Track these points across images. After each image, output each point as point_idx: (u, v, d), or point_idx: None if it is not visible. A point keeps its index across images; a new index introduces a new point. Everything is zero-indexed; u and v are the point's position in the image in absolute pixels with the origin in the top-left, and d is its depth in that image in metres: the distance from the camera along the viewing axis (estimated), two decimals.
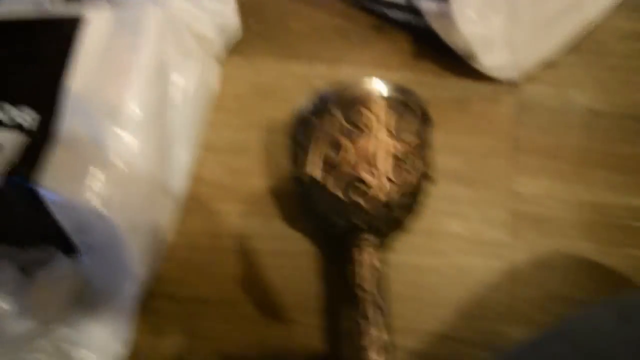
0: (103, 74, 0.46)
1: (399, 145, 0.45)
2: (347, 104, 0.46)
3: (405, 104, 0.47)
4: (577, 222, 0.53)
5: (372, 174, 0.44)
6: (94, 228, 0.43)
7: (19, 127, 0.43)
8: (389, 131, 0.45)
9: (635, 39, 0.62)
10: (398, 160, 0.45)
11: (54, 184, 0.41)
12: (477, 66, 0.59)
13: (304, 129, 0.49)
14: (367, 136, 0.45)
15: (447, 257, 0.52)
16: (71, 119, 0.44)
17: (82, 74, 0.45)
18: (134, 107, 0.45)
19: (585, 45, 0.62)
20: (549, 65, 0.61)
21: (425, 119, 0.49)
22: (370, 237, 0.46)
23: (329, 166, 0.46)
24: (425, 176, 0.48)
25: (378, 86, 0.47)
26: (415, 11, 0.61)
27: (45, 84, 0.45)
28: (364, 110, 0.45)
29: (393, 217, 0.47)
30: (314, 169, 0.46)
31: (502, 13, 0.57)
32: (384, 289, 0.45)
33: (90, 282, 0.47)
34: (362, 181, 0.45)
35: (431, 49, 0.62)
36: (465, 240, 0.53)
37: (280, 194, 0.55)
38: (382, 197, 0.45)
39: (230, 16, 0.59)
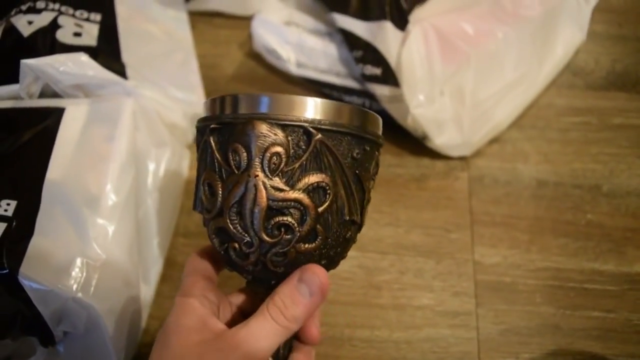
0: (81, 162, 0.47)
1: (278, 194, 0.33)
2: (226, 132, 0.35)
3: (340, 133, 0.34)
4: (536, 287, 0.56)
5: (239, 228, 0.34)
6: (73, 315, 0.43)
7: None
8: (271, 172, 0.33)
9: (568, 113, 0.68)
10: (274, 211, 0.33)
11: (33, 272, 0.41)
12: (430, 145, 0.63)
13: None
14: (237, 178, 0.34)
15: (418, 329, 0.54)
16: (50, 207, 0.44)
17: (60, 163, 0.47)
18: (110, 195, 0.46)
19: (526, 121, 0.67)
20: (495, 140, 0.66)
21: (362, 154, 0.36)
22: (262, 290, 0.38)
23: (206, 210, 0.36)
24: (326, 229, 0.35)
25: (283, 106, 0.34)
26: (371, 96, 0.65)
27: (26, 174, 0.46)
28: (237, 145, 0.34)
29: (274, 273, 0.36)
30: (198, 207, 0.38)
31: (449, 95, 0.62)
32: None
33: None
34: (231, 236, 0.35)
35: (388, 131, 0.65)
36: (434, 312, 0.55)
37: None
38: (252, 256, 0.35)
39: (198, 104, 0.62)
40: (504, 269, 0.57)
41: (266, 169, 0.33)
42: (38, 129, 0.49)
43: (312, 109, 0.34)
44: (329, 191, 0.34)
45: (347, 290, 0.56)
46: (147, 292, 0.53)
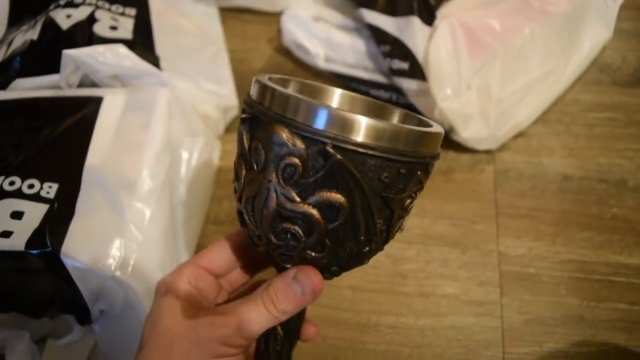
0: (118, 149, 0.49)
1: (288, 203, 0.31)
2: (255, 125, 0.33)
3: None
4: (561, 279, 0.56)
5: (253, 220, 0.33)
6: (111, 294, 0.45)
7: (41, 198, 0.45)
8: (284, 180, 0.31)
9: (594, 109, 0.68)
10: (282, 217, 0.32)
11: (74, 251, 0.43)
12: (457, 138, 0.64)
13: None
14: (254, 175, 0.33)
15: (443, 317, 0.55)
16: (89, 191, 0.46)
17: (99, 149, 0.49)
18: (147, 180, 0.48)
19: (552, 116, 0.68)
20: (521, 135, 0.66)
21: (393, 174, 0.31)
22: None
23: (234, 190, 0.35)
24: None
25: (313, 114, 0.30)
26: (398, 90, 0.67)
27: (67, 159, 0.48)
28: (258, 144, 0.32)
29: (282, 267, 0.36)
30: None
31: (475, 90, 0.63)
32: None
33: (101, 349, 0.48)
34: (245, 222, 0.35)
35: None
36: (459, 300, 0.56)
37: None
38: (262, 247, 0.35)
39: (230, 97, 0.63)
40: (528, 260, 0.57)
41: (280, 176, 0.31)
42: (78, 116, 0.51)
43: (340, 124, 0.30)
44: (342, 211, 0.31)
45: (374, 278, 0.57)
46: None
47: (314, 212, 0.31)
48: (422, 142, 0.32)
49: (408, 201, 0.34)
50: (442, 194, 0.62)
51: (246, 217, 0.34)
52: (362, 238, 0.33)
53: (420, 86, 0.63)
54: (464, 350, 0.53)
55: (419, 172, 0.33)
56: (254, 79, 0.34)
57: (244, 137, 0.33)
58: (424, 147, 0.32)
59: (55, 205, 0.45)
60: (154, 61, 0.61)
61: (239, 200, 0.34)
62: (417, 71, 0.63)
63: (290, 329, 0.39)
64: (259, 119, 0.32)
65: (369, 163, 0.30)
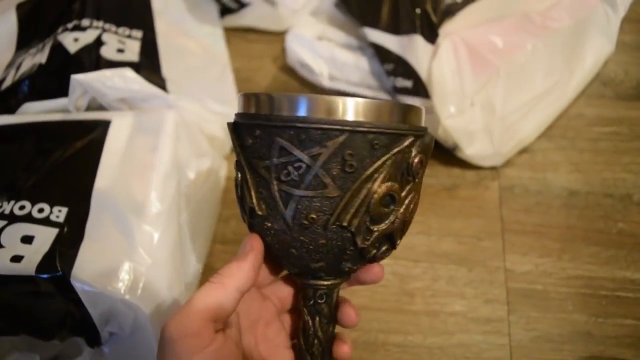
0: (126, 171, 0.49)
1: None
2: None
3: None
4: (568, 295, 0.56)
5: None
6: (121, 316, 0.45)
7: (50, 222, 0.46)
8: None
9: (598, 123, 0.68)
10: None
11: (83, 275, 0.43)
12: (461, 155, 0.64)
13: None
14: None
15: (450, 335, 0.55)
16: (98, 214, 0.47)
17: (108, 172, 0.49)
18: (155, 202, 0.48)
19: (556, 131, 0.68)
20: (525, 150, 0.67)
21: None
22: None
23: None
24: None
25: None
26: None
27: (76, 182, 0.48)
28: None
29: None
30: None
31: (479, 106, 0.63)
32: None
33: None
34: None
35: None
36: (466, 318, 0.56)
37: None
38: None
39: None
40: (535, 276, 0.58)
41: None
42: (86, 140, 0.51)
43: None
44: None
45: (381, 297, 0.57)
46: (187, 297, 0.55)
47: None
48: (407, 115, 0.35)
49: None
50: (447, 211, 0.63)
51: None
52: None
53: (424, 104, 0.63)
54: None
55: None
56: (244, 95, 0.37)
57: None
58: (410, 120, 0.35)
59: (65, 229, 0.46)
60: (161, 83, 0.62)
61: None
62: (420, 89, 0.63)
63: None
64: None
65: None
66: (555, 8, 0.66)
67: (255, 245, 0.36)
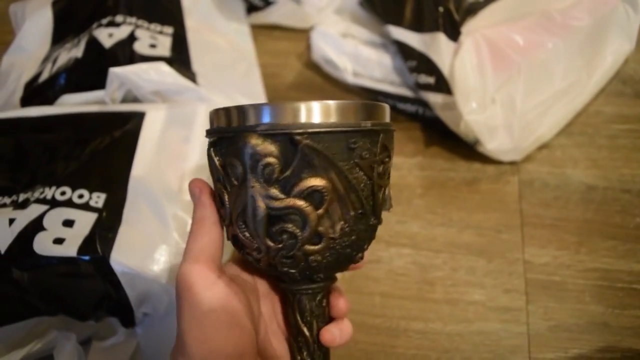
0: (161, 161, 0.52)
1: (275, 202, 0.33)
2: (223, 145, 0.35)
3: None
4: (585, 287, 0.58)
5: (248, 236, 0.35)
6: (155, 297, 0.47)
7: (90, 207, 0.48)
8: (266, 182, 0.33)
9: (617, 121, 0.70)
10: (274, 219, 0.34)
11: (122, 257, 0.46)
12: (482, 150, 0.66)
13: None
14: (237, 190, 0.34)
15: (470, 323, 0.57)
16: (135, 200, 0.49)
17: (143, 161, 0.51)
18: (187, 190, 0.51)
19: (575, 128, 0.69)
20: (544, 146, 0.68)
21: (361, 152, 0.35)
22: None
23: (222, 218, 0.37)
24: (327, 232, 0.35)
25: (268, 115, 0.33)
26: (424, 103, 0.69)
27: (113, 170, 0.51)
28: (232, 159, 0.34)
29: (293, 276, 0.37)
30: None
31: (500, 103, 0.65)
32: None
33: (143, 351, 0.51)
34: (241, 242, 0.36)
35: (440, 136, 0.69)
36: (485, 307, 0.57)
37: None
38: (262, 260, 0.36)
39: None
40: (553, 268, 0.59)
41: (261, 179, 0.33)
42: (123, 130, 0.54)
43: (297, 114, 0.33)
44: (325, 192, 0.33)
45: (403, 285, 0.59)
46: None
47: (301, 202, 0.33)
48: (369, 113, 0.35)
49: (380, 168, 0.36)
50: (468, 205, 0.64)
51: (241, 236, 0.35)
52: (352, 214, 0.35)
53: (446, 100, 0.65)
54: (491, 355, 0.54)
55: (381, 136, 0.35)
56: (210, 112, 0.37)
57: (215, 160, 0.36)
58: (367, 115, 0.35)
59: (104, 214, 0.48)
60: (191, 77, 0.64)
61: (230, 224, 0.36)
62: (443, 85, 0.65)
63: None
64: (225, 139, 0.35)
65: (334, 138, 0.33)
66: (575, 7, 0.67)
67: (200, 186, 0.38)
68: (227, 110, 0.35)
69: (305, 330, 0.39)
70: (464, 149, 0.67)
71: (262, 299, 0.41)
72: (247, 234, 0.35)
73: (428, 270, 0.60)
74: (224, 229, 0.38)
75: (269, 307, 0.41)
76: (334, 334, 0.40)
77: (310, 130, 0.33)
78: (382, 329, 0.56)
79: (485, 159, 0.67)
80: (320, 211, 0.34)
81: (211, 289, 0.35)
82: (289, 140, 0.33)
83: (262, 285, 0.41)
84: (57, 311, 0.50)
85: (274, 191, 0.33)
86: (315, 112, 0.33)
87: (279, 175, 0.33)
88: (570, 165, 0.66)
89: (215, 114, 0.36)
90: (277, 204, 0.33)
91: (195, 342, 0.35)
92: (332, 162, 0.33)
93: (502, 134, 0.65)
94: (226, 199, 0.35)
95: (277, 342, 0.40)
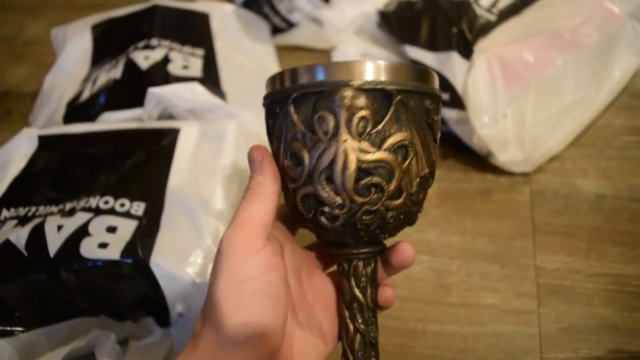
0: (195, 173, 0.56)
1: (367, 156, 0.35)
2: (307, 102, 0.36)
3: (399, 92, 0.35)
4: (594, 291, 0.60)
5: (331, 192, 0.36)
6: (190, 298, 0.51)
7: (131, 215, 0.53)
8: (358, 136, 0.35)
9: (626, 133, 0.73)
10: (363, 173, 0.35)
11: (161, 260, 0.50)
12: (495, 162, 0.69)
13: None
14: (326, 145, 0.35)
15: (484, 325, 0.60)
16: (172, 208, 0.54)
17: (179, 173, 0.56)
18: (220, 200, 0.55)
19: (585, 140, 0.72)
20: (555, 158, 0.71)
21: (429, 111, 0.37)
22: (348, 254, 0.40)
23: (291, 180, 0.38)
24: (410, 185, 0.37)
25: (359, 72, 0.35)
26: None
27: (152, 181, 0.56)
28: (324, 113, 0.35)
29: (361, 236, 0.38)
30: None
31: (511, 117, 0.68)
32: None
33: (177, 350, 0.55)
34: (321, 200, 0.36)
35: (455, 149, 0.72)
36: (499, 310, 0.60)
37: None
38: (341, 217, 0.36)
39: None
40: (564, 273, 0.62)
41: (354, 133, 0.35)
42: (160, 145, 0.59)
43: (390, 72, 0.36)
44: (410, 147, 0.36)
45: (420, 290, 0.62)
46: None
47: (390, 156, 0.35)
48: (433, 77, 0.38)
49: (439, 134, 0.39)
50: (481, 214, 0.68)
51: (322, 193, 0.36)
52: (427, 171, 0.38)
53: (460, 115, 0.69)
54: (504, 355, 0.57)
55: (440, 105, 0.39)
56: (272, 76, 0.40)
57: (295, 118, 0.36)
58: (435, 83, 0.39)
59: (144, 221, 0.53)
60: (221, 96, 0.69)
61: (306, 183, 0.37)
62: (457, 101, 0.69)
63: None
64: (312, 94, 0.36)
65: (415, 98, 0.36)
66: (584, 25, 0.70)
67: (262, 152, 0.38)
68: (311, 67, 0.36)
69: (360, 295, 0.40)
70: (478, 161, 0.71)
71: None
72: (332, 188, 0.36)
73: (444, 275, 0.63)
74: (284, 196, 0.38)
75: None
76: (391, 292, 0.42)
77: (403, 87, 0.35)
78: (400, 331, 0.60)
79: (498, 171, 0.70)
80: (405, 165, 0.36)
81: (255, 256, 0.35)
82: (385, 95, 0.35)
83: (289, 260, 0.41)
84: (99, 311, 0.54)
85: (366, 144, 0.35)
86: (403, 72, 0.36)
87: (371, 128, 0.35)
88: (580, 175, 0.69)
89: (290, 74, 0.37)
90: (368, 157, 0.35)
91: (229, 311, 0.33)
92: (416, 119, 0.36)
93: (513, 147, 0.68)
94: (305, 157, 0.36)
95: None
